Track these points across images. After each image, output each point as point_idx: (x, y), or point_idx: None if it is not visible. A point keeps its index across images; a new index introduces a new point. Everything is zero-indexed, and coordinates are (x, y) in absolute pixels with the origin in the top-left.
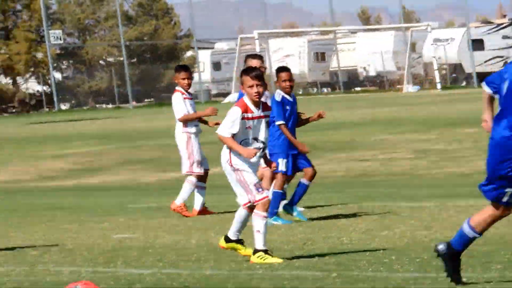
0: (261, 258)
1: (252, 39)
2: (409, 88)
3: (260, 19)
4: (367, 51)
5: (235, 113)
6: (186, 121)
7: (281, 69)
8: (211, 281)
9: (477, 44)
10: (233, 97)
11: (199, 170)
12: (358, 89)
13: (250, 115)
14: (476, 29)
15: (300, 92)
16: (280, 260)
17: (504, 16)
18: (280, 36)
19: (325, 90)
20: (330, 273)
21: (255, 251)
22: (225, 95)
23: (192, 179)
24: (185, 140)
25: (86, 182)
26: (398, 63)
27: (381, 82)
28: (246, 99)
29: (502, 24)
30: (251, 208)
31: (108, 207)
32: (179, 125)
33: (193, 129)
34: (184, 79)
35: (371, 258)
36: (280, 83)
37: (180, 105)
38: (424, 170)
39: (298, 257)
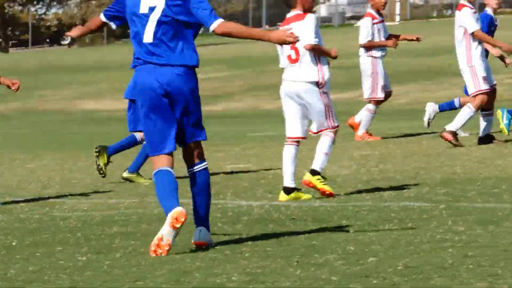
0: (320, 182)
1: None
2: None
3: None
4: None
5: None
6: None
7: None
8: (318, 213)
9: None
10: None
11: (381, 95)
12: None
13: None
14: None
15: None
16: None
17: None
18: None
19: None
20: (439, 204)
21: (316, 172)
22: (359, 18)
23: (371, 107)
24: (369, 64)
25: (209, 110)
26: None
27: None
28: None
29: None
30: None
31: (227, 136)
32: (362, 49)
33: (378, 53)
34: None
35: (482, 187)
36: None
37: (366, 29)
38: None
39: (408, 187)
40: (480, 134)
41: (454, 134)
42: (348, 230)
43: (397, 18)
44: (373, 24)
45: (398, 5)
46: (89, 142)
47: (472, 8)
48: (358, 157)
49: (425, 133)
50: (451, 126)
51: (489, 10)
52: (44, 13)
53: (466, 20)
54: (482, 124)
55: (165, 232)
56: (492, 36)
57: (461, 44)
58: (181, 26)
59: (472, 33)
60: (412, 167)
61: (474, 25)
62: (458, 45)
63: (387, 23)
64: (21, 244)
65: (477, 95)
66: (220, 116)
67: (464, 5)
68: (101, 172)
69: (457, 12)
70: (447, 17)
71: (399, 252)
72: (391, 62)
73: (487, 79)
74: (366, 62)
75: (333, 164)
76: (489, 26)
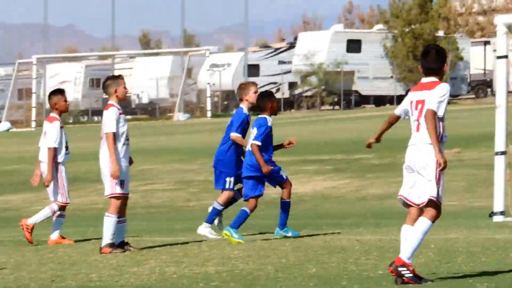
0: None
1: (30, 64)
2: (179, 116)
3: (41, 42)
4: (143, 77)
5: None
6: None
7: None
8: None
9: (253, 70)
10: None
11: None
12: (129, 117)
13: None
14: (254, 54)
15: (70, 121)
16: None
17: (283, 40)
18: (59, 61)
19: (96, 118)
20: None
21: None
22: None
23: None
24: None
25: None
26: (172, 90)
27: (152, 110)
28: None
29: (280, 48)
30: None
31: None
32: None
33: (61, 159)
34: None
35: None
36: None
37: None
38: (182, 202)
39: None
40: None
41: None
42: None
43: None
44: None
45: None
46: None
47: (119, 109)
48: None
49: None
50: None
51: (245, 109)
52: None
53: (107, 120)
54: (117, 231)
55: None
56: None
57: (103, 145)
58: None
59: (106, 134)
60: (48, 275)
61: (111, 127)
62: (102, 145)
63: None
64: None
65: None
66: None
67: (111, 105)
68: None
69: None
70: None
71: None
72: None
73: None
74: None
75: None
76: (243, 124)
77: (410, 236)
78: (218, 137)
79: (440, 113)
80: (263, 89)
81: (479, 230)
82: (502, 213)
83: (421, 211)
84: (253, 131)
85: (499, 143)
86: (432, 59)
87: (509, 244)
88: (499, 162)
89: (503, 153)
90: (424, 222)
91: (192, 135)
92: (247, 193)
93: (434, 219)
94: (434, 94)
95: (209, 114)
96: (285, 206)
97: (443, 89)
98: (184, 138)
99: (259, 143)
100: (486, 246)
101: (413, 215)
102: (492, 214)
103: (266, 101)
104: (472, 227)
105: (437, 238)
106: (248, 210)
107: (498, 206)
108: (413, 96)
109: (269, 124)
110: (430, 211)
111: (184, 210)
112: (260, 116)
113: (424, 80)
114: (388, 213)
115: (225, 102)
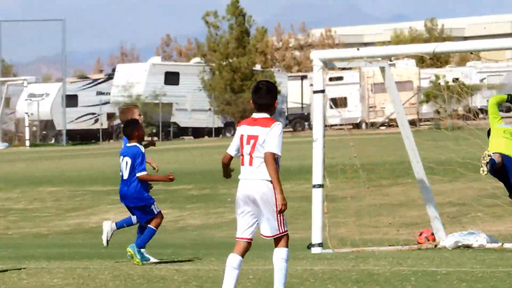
0: None
1: None
2: None
3: None
4: None
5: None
6: None
7: None
8: None
9: (72, 100)
10: None
11: None
12: None
13: None
14: (73, 84)
15: None
16: None
17: (101, 71)
18: None
19: None
20: None
21: None
22: None
23: None
24: None
25: None
26: None
27: None
28: None
29: (98, 79)
30: None
31: None
32: None
33: None
34: None
35: None
36: None
37: None
38: (1, 230)
39: None
40: None
41: None
42: None
43: None
44: None
45: None
46: None
47: None
48: None
49: None
50: None
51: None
52: None
53: None
54: None
55: None
56: None
57: None
58: None
59: None
60: None
61: None
62: None
63: None
64: None
65: None
66: None
67: None
68: None
69: None
70: None
71: None
72: None
73: None
74: None
75: None
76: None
77: (276, 268)
78: (37, 166)
79: (279, 153)
80: (81, 120)
81: (297, 262)
82: (320, 244)
83: (248, 243)
84: (127, 160)
85: (317, 176)
86: (263, 95)
87: (327, 275)
88: (317, 195)
89: (320, 186)
90: (282, 251)
91: (10, 164)
92: (144, 218)
93: (287, 245)
94: (272, 135)
95: (27, 143)
96: (146, 230)
97: (278, 128)
98: (2, 166)
99: (146, 172)
100: (304, 277)
101: (241, 246)
102: (310, 245)
103: (132, 129)
104: (291, 258)
105: (257, 269)
106: (154, 228)
107: (316, 238)
108: (244, 130)
109: (143, 151)
110: (283, 240)
111: (3, 238)
112: (129, 145)
113: (256, 115)
114: (207, 244)
115: (44, 132)
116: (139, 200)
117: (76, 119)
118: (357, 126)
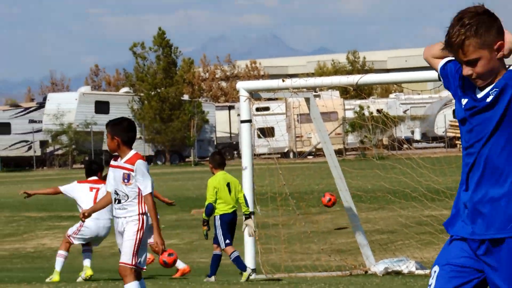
0: None
1: None
2: None
3: None
4: None
5: None
6: None
7: None
8: None
9: (4, 128)
10: None
11: None
12: None
13: None
14: (4, 112)
15: None
16: None
17: (33, 100)
18: None
19: None
20: None
21: None
22: None
23: None
24: None
25: None
26: None
27: None
28: None
29: (30, 107)
30: None
31: None
32: None
33: None
34: None
35: None
36: None
37: None
38: None
39: None
40: None
41: None
42: None
43: None
44: None
45: None
46: None
47: None
48: None
49: None
50: None
51: None
52: None
53: None
54: None
55: None
56: None
57: None
58: None
59: None
60: None
61: None
62: None
63: None
64: None
65: None
66: None
67: None
68: None
69: None
70: None
71: None
72: None
73: None
74: None
75: None
76: None
77: None
78: None
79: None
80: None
81: (231, 287)
82: (253, 270)
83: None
84: None
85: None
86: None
87: None
88: (248, 222)
89: (251, 213)
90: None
91: None
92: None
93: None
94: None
95: None
96: None
97: (143, 165)
98: None
99: None
100: None
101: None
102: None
103: None
104: (224, 283)
105: None
106: None
107: (249, 264)
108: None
109: None
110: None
111: None
112: None
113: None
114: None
115: None
116: None
117: (9, 146)
118: (285, 155)
